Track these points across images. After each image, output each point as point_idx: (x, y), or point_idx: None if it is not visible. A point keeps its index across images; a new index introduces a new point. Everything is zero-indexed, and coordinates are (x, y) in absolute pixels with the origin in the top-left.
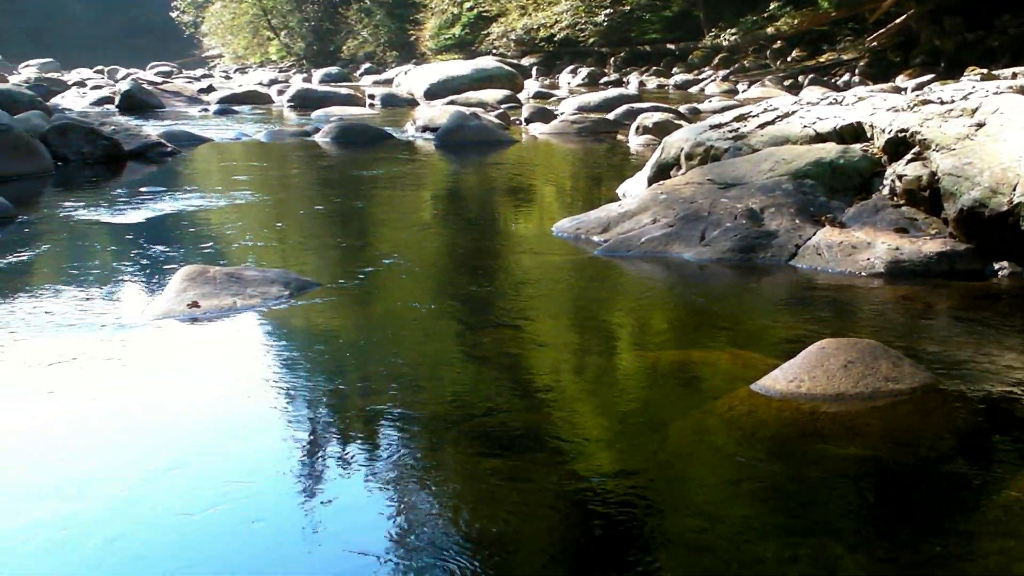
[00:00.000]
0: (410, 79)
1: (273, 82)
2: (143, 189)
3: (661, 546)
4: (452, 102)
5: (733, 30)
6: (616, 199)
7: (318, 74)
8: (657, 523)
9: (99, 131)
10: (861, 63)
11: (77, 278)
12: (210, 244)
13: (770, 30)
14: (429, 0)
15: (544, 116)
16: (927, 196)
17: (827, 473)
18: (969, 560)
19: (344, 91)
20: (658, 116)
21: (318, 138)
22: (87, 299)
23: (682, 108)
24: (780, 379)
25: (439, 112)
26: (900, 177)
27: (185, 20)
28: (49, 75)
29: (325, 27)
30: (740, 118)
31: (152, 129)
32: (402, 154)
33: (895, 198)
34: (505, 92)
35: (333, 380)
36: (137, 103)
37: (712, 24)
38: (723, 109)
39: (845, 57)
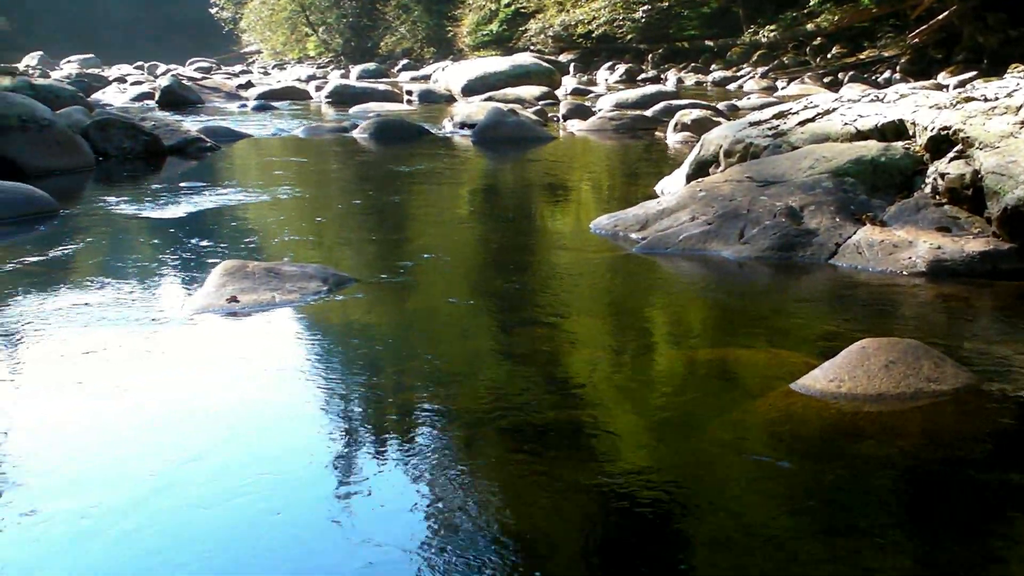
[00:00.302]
0: (447, 75)
1: (311, 78)
2: (183, 184)
3: (696, 546)
4: (490, 98)
5: (772, 26)
6: (654, 196)
7: (356, 70)
8: (693, 523)
9: (139, 127)
10: (902, 60)
11: (118, 272)
12: (249, 239)
13: (810, 26)
14: None
15: (582, 113)
16: (970, 195)
17: (867, 474)
18: (1008, 564)
19: (382, 87)
20: (696, 113)
21: (356, 134)
22: (127, 293)
23: (720, 105)
24: (820, 378)
25: (476, 108)
26: (942, 175)
27: (224, 16)
28: (90, 71)
29: (363, 23)
30: (780, 115)
31: (192, 125)
32: (439, 150)
33: (937, 197)
34: (543, 89)
35: (369, 375)
36: (177, 99)
37: (751, 20)
38: (762, 106)
39: (886, 54)
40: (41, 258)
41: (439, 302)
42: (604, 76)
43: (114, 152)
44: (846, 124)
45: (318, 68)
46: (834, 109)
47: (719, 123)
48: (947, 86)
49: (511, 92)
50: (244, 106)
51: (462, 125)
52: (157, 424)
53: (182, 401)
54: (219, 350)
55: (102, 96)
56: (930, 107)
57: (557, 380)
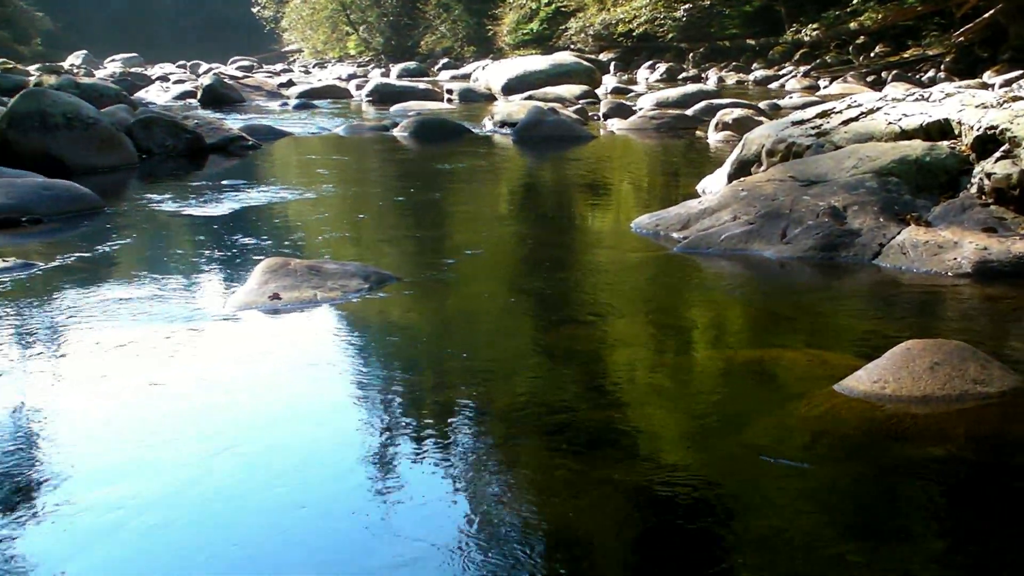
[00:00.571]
0: (488, 74)
1: (352, 77)
2: (225, 182)
3: (735, 547)
4: (530, 97)
5: (815, 25)
6: (695, 195)
7: (396, 69)
8: (732, 524)
9: (182, 125)
10: (947, 59)
11: (161, 268)
12: (290, 237)
13: (853, 25)
14: None
15: (622, 112)
16: (1017, 195)
17: (911, 476)
18: None
19: (422, 86)
20: (738, 112)
21: (396, 132)
22: (170, 289)
23: (762, 104)
24: (864, 380)
25: (517, 107)
26: (989, 175)
27: (266, 15)
28: (133, 69)
29: (403, 22)
30: (823, 114)
31: (233, 123)
32: (480, 149)
33: (983, 197)
34: (583, 87)
35: (409, 373)
36: (218, 97)
37: (793, 19)
38: (804, 105)
39: (930, 52)
40: (86, 254)
41: (479, 300)
42: (644, 75)
43: (157, 150)
44: (890, 123)
45: (358, 67)
46: (878, 108)
47: (761, 122)
48: (993, 85)
49: (551, 91)
50: (285, 105)
51: (502, 124)
52: (197, 418)
53: (223, 396)
54: (261, 347)
55: (145, 94)
56: (976, 106)
57: (596, 379)
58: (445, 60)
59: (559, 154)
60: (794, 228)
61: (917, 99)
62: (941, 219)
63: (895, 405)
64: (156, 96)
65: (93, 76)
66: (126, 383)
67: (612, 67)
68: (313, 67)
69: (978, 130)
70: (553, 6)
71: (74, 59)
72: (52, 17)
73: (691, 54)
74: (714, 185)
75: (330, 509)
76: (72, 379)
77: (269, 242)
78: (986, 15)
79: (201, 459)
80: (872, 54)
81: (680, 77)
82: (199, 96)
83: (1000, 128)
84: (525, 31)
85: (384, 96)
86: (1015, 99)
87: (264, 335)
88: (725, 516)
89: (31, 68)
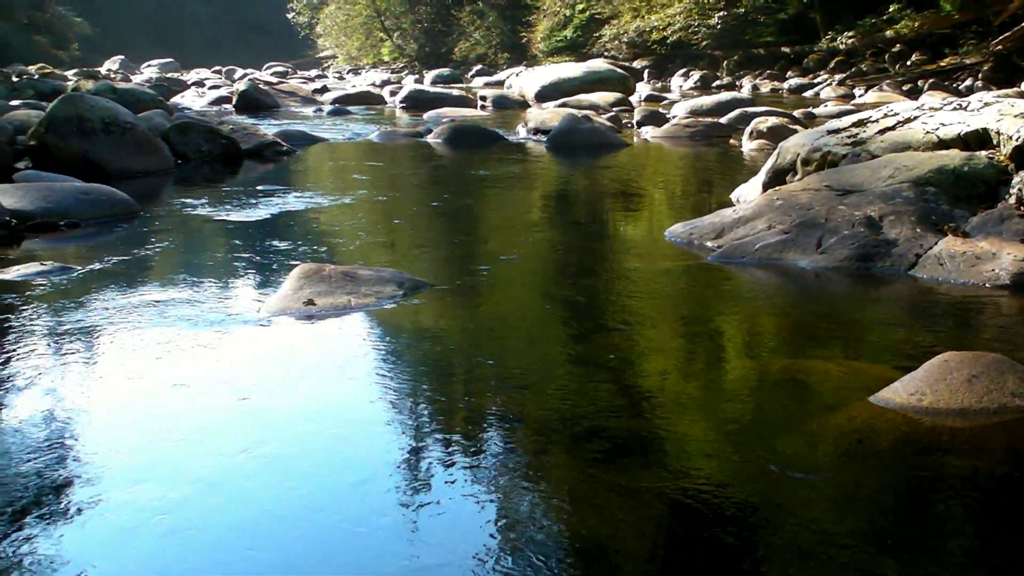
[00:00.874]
0: (521, 81)
1: (385, 83)
2: (260, 187)
3: (769, 558)
4: (564, 104)
5: (850, 33)
6: (729, 204)
7: (430, 75)
8: (766, 535)
9: (218, 130)
10: (984, 67)
11: (196, 273)
12: (324, 242)
13: (889, 33)
14: (541, 2)
15: (656, 119)
16: None
17: (948, 489)
18: None
19: (456, 92)
20: (772, 120)
21: (430, 139)
22: (205, 294)
23: (797, 112)
24: (900, 392)
25: (551, 114)
26: None
27: (300, 21)
28: (169, 75)
29: (437, 29)
30: (859, 123)
31: (268, 128)
32: (514, 156)
33: (1021, 208)
34: (617, 95)
35: (442, 380)
36: (253, 103)
37: (829, 27)
38: (839, 114)
39: (968, 61)
40: (123, 258)
41: (513, 308)
42: (678, 83)
43: (193, 155)
44: (928, 133)
45: (392, 73)
46: (915, 117)
47: (795, 131)
48: None
49: (585, 98)
50: (319, 110)
51: (536, 131)
52: (228, 421)
53: (256, 400)
54: (295, 352)
55: (181, 100)
56: (1015, 116)
57: (628, 388)
58: (479, 67)
59: (593, 161)
60: (829, 238)
61: (955, 108)
62: (979, 230)
63: (932, 418)
64: (192, 101)
65: (130, 81)
66: (160, 386)
67: (646, 74)
68: (347, 73)
69: (1017, 140)
70: (587, 13)
71: (111, 64)
72: (90, 22)
73: (725, 62)
74: (749, 194)
75: (358, 514)
76: (107, 381)
77: (304, 247)
78: None
79: (231, 461)
80: (908, 62)
81: (714, 85)
82: (234, 101)
83: None
84: (559, 38)
85: (418, 102)
86: None
87: (298, 341)
88: (757, 528)
89: (69, 73)
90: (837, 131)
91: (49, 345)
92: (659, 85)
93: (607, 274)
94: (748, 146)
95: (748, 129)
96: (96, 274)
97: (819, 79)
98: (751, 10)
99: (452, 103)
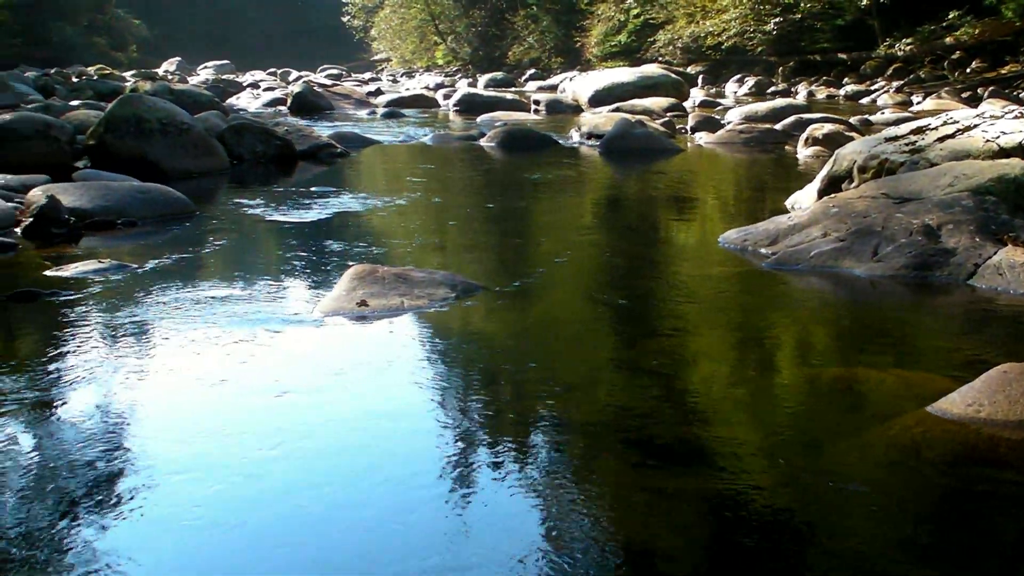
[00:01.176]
0: (575, 85)
1: (439, 86)
2: (314, 189)
3: (817, 566)
4: (617, 109)
5: (909, 40)
6: (784, 211)
7: (483, 79)
8: (816, 544)
9: (273, 131)
10: None
11: (250, 272)
12: (378, 243)
13: (949, 40)
14: (596, 7)
15: (710, 125)
16: None
17: (1004, 502)
18: None
19: (509, 96)
20: (828, 127)
21: (483, 143)
22: (260, 293)
23: (853, 120)
24: (957, 402)
25: (604, 119)
26: None
27: (355, 24)
28: (225, 77)
29: (491, 32)
30: (917, 131)
31: (322, 131)
32: (566, 160)
33: None
34: (670, 100)
35: (491, 383)
36: (308, 105)
37: (887, 33)
38: (896, 121)
39: None
40: (178, 257)
41: (565, 312)
42: (733, 88)
43: (248, 156)
44: (988, 141)
45: (446, 76)
46: (975, 125)
47: (852, 138)
48: None
49: (639, 103)
50: (373, 113)
51: (589, 135)
52: (278, 418)
53: (307, 398)
54: (347, 352)
55: (236, 101)
56: None
57: (679, 394)
58: (532, 71)
59: (646, 167)
60: (886, 246)
61: (1016, 116)
62: None
63: (990, 429)
64: (247, 103)
65: (187, 83)
66: (212, 383)
67: (700, 80)
68: (401, 76)
69: None
70: (642, 18)
71: (168, 66)
72: (148, 25)
73: (781, 68)
74: (804, 201)
75: (403, 512)
76: (160, 377)
77: (357, 249)
78: None
79: (279, 457)
80: (968, 70)
81: (769, 91)
82: (289, 103)
83: None
84: (613, 43)
85: (471, 106)
86: None
87: (351, 341)
88: (806, 538)
89: (127, 74)
90: (895, 138)
91: (104, 341)
92: (713, 91)
93: (659, 279)
94: (803, 153)
95: (803, 136)
96: (152, 272)
97: (876, 86)
98: (808, 16)
99: (505, 107)
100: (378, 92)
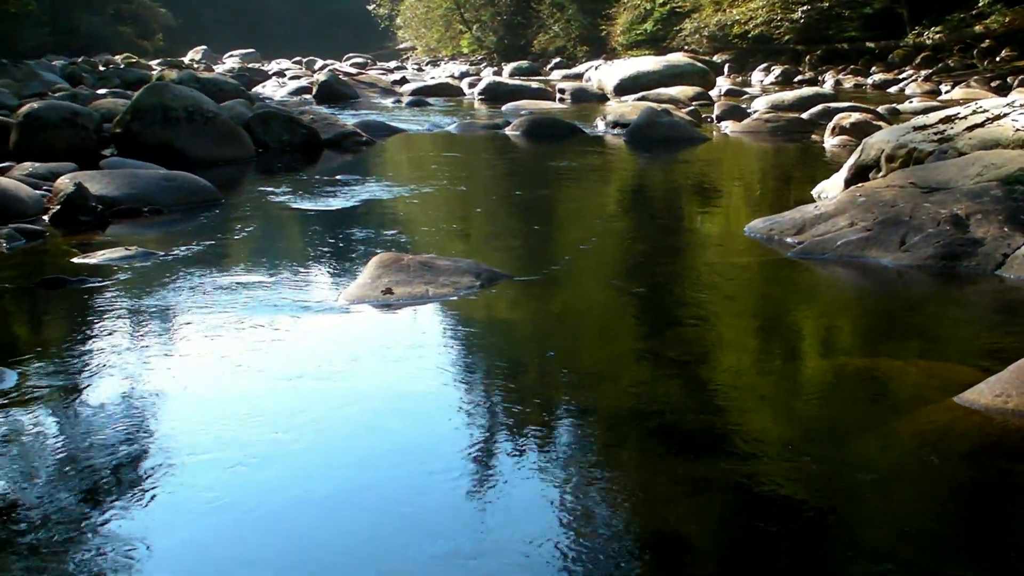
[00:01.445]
0: (600, 74)
1: (464, 75)
2: (339, 177)
3: (843, 557)
4: (643, 98)
5: (938, 28)
6: (810, 200)
7: (508, 68)
8: (843, 534)
9: (298, 120)
10: None
11: (276, 260)
12: (403, 232)
13: (978, 28)
14: None
15: (736, 114)
16: None
17: None
18: None
19: (534, 85)
20: (856, 116)
21: (508, 131)
22: (286, 280)
23: (881, 108)
24: (985, 393)
25: (630, 108)
26: None
27: (380, 13)
28: (251, 65)
29: (516, 21)
30: (946, 120)
31: (347, 119)
32: (592, 149)
33: None
34: (696, 89)
35: (514, 371)
36: (333, 93)
37: (915, 22)
38: (925, 110)
39: None
40: (204, 244)
41: (589, 300)
42: (759, 77)
43: (273, 144)
44: (1018, 130)
45: (471, 65)
46: (1006, 114)
47: (879, 127)
48: None
49: (664, 92)
50: (398, 102)
51: (615, 124)
52: (304, 405)
53: (332, 384)
54: (373, 340)
55: (262, 90)
56: None
57: (702, 383)
58: (557, 59)
59: (672, 155)
60: (913, 236)
61: None
62: None
63: (1018, 420)
64: (272, 91)
65: (212, 71)
66: (236, 369)
67: (726, 69)
68: (426, 65)
69: None
70: (668, 7)
71: (194, 54)
72: (174, 13)
73: (807, 56)
74: (831, 190)
75: (425, 500)
76: (184, 363)
77: (382, 237)
78: None
79: (301, 444)
80: (998, 58)
81: (796, 80)
82: (314, 92)
83: None
84: (639, 31)
85: (496, 95)
86: None
87: (376, 329)
88: (830, 527)
89: (153, 63)
90: (923, 127)
91: (131, 327)
92: (739, 80)
93: (685, 268)
94: (830, 142)
95: (830, 125)
96: (178, 259)
97: (904, 75)
98: (835, 4)
99: (530, 95)
100: (403, 81)
